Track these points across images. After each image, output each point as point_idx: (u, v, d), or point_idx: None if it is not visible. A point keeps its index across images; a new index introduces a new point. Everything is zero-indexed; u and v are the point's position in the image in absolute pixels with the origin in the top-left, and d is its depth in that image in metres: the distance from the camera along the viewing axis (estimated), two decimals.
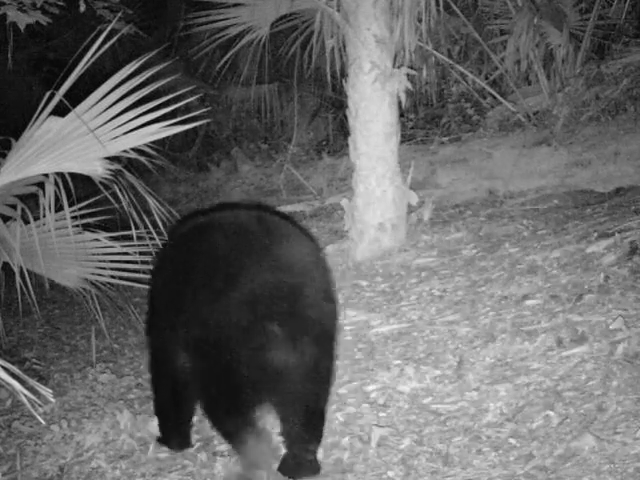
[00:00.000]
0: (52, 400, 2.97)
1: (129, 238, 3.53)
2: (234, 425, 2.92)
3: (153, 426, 3.43)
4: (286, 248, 2.92)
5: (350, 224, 5.12)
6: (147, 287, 3.51)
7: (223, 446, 3.27)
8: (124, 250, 3.75)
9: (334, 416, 3.34)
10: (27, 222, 3.39)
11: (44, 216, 3.27)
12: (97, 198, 3.47)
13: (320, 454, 3.05)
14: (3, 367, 2.62)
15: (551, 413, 3.01)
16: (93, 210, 3.71)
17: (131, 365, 4.36)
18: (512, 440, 2.94)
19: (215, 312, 2.84)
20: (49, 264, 3.52)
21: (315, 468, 2.95)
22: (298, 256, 2.92)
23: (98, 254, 3.78)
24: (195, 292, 2.94)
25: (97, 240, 3.71)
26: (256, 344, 2.79)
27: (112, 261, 3.83)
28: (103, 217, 3.72)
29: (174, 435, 3.31)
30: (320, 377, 2.93)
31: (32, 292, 3.35)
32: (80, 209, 3.67)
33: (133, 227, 3.32)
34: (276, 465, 2.97)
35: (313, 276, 2.91)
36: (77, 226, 3.64)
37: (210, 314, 2.86)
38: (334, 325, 3.00)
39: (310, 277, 2.90)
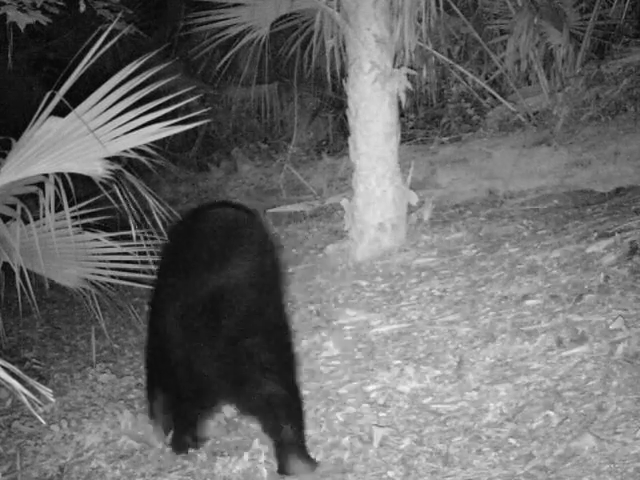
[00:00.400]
0: (52, 400, 2.97)
1: (129, 238, 3.54)
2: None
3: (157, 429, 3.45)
4: (246, 251, 3.01)
5: (350, 224, 5.12)
6: (147, 287, 3.55)
7: (223, 446, 3.28)
8: (124, 250, 3.75)
9: (334, 416, 3.35)
10: (27, 222, 3.39)
11: (44, 216, 3.27)
12: (97, 198, 3.47)
13: (320, 455, 3.05)
14: (3, 367, 2.62)
15: (551, 413, 3.01)
16: (93, 210, 3.71)
17: (131, 365, 4.36)
18: (512, 440, 2.94)
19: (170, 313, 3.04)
20: (49, 264, 3.53)
21: (307, 460, 2.99)
22: (256, 257, 3.02)
23: (98, 254, 3.79)
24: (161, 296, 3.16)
25: (97, 240, 3.72)
26: (201, 343, 2.96)
27: (112, 261, 3.83)
28: (103, 217, 3.72)
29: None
30: (278, 366, 2.99)
31: (32, 292, 3.35)
32: (80, 209, 3.67)
33: (133, 227, 3.32)
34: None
35: (261, 273, 3.01)
36: (77, 226, 3.64)
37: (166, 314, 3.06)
38: (284, 316, 3.15)
39: (258, 275, 2.99)
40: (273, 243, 3.24)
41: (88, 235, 3.67)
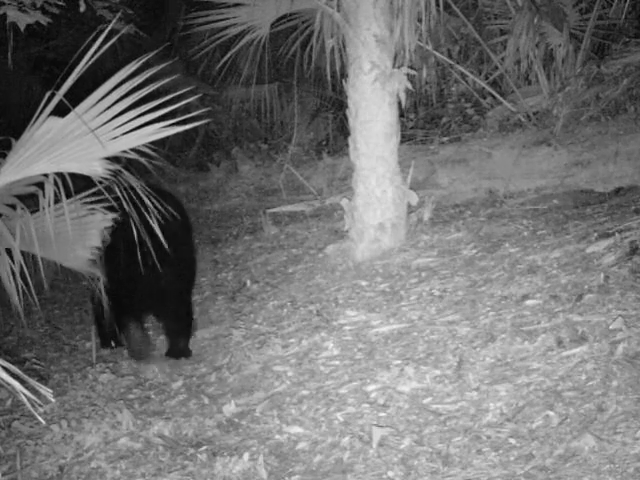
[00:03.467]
0: (52, 400, 2.97)
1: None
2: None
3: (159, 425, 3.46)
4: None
5: (350, 224, 5.12)
6: None
7: (223, 446, 3.28)
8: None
9: (334, 416, 3.35)
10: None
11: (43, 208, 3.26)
12: (94, 190, 3.47)
13: (320, 455, 3.04)
14: (3, 367, 2.62)
15: (551, 413, 3.01)
16: (93, 199, 3.73)
17: (131, 365, 4.36)
18: (512, 440, 2.94)
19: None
20: (56, 249, 3.52)
21: (188, 353, 4.39)
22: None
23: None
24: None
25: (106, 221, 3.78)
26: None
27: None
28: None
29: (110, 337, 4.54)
30: (181, 292, 4.44)
31: (33, 292, 3.35)
32: (81, 199, 3.68)
33: (134, 227, 3.32)
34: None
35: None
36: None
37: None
38: (192, 257, 4.60)
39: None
40: (184, 208, 4.60)
41: (91, 217, 3.70)
